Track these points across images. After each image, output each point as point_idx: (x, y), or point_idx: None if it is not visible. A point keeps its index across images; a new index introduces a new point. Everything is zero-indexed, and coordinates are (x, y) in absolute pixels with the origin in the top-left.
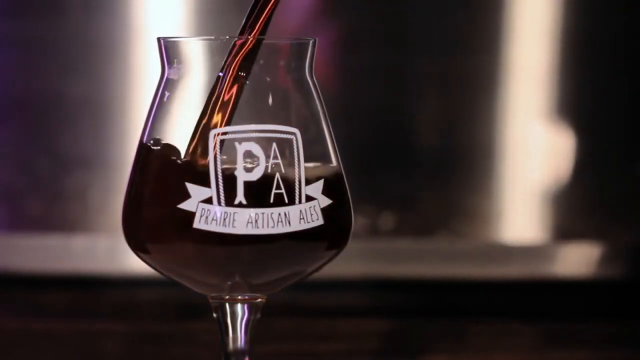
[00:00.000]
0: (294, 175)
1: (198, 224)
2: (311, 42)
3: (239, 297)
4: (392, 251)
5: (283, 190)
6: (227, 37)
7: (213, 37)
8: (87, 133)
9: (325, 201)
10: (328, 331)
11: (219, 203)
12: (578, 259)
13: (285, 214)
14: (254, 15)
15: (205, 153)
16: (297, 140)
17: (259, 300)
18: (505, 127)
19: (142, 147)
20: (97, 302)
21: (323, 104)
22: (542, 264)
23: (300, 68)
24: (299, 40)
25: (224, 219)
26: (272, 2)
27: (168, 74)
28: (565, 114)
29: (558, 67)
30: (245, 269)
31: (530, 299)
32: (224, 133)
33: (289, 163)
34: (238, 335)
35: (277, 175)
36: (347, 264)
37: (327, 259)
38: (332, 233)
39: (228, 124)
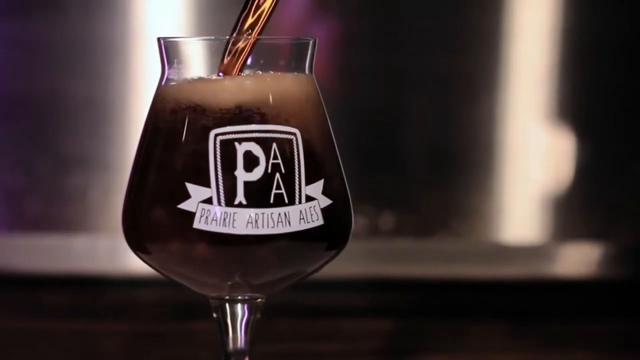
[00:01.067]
0: (294, 175)
1: (198, 224)
2: (311, 42)
3: (239, 297)
4: (392, 251)
5: (283, 190)
6: (227, 37)
7: (213, 37)
8: (87, 133)
9: (325, 201)
10: (328, 331)
11: (219, 203)
12: (578, 259)
13: (285, 214)
14: None
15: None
16: (297, 140)
17: (259, 300)
18: (505, 127)
19: (143, 146)
20: (97, 302)
21: (323, 104)
22: (542, 264)
23: (301, 68)
24: (299, 40)
25: (224, 219)
26: None
27: (168, 74)
28: (565, 114)
29: (558, 67)
30: (245, 269)
31: (530, 299)
32: (224, 133)
33: (289, 163)
34: (238, 335)
35: (277, 175)
36: (347, 264)
37: (327, 259)
38: (332, 233)
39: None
